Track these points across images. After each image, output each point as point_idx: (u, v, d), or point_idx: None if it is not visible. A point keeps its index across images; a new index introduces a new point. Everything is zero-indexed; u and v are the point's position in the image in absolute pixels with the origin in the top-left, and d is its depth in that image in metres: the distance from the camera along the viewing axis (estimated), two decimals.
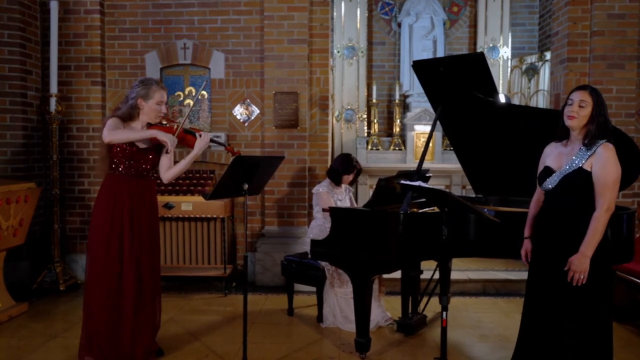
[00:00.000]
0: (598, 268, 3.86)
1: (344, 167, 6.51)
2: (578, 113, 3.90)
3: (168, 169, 4.99)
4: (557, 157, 4.08)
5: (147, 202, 4.94)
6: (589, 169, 3.87)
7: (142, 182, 4.91)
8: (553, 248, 4.02)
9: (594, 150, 3.87)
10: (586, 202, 3.89)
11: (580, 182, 3.89)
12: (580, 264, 3.80)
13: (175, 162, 5.03)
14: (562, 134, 4.10)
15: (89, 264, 4.87)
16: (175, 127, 4.86)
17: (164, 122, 4.93)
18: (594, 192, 3.87)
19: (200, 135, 4.87)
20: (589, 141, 3.89)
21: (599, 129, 3.88)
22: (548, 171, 4.07)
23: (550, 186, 4.02)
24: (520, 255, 4.40)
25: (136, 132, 4.75)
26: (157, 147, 4.91)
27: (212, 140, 5.02)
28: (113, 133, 4.64)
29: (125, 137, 4.69)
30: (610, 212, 3.83)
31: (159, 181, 5.15)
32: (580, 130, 3.96)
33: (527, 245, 4.36)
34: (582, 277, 3.81)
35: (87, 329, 4.85)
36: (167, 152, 4.86)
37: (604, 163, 3.83)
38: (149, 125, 4.87)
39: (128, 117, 4.83)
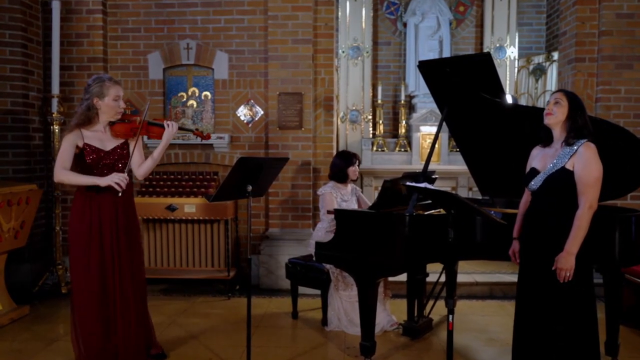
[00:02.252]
0: (584, 266, 3.95)
1: (346, 160, 6.45)
2: (553, 110, 4.05)
3: (140, 165, 4.90)
4: (542, 159, 4.20)
5: (125, 205, 4.85)
6: (571, 169, 3.97)
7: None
8: (539, 248, 4.11)
9: (576, 150, 3.96)
10: (569, 202, 3.97)
11: (563, 181, 3.99)
12: (565, 261, 3.89)
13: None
14: (546, 139, 4.22)
15: (73, 284, 4.79)
16: (138, 121, 4.81)
17: (126, 120, 4.86)
18: (577, 191, 3.95)
19: (167, 126, 4.81)
20: (570, 140, 4.00)
21: (576, 127, 4.00)
22: (534, 172, 4.18)
23: (535, 187, 4.13)
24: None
25: (81, 177, 4.59)
26: (125, 145, 4.84)
27: (180, 128, 4.97)
28: (62, 174, 4.57)
29: (72, 181, 4.62)
30: (592, 210, 3.91)
31: (140, 180, 5.07)
32: (560, 131, 4.08)
33: (514, 245, 4.45)
34: (568, 274, 3.89)
35: (79, 344, 4.80)
36: (120, 189, 4.59)
37: (585, 162, 3.92)
38: (111, 124, 4.78)
39: (87, 120, 4.70)
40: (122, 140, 4.82)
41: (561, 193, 3.98)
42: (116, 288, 4.75)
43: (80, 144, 4.65)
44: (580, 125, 3.99)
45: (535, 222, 4.15)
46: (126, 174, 4.61)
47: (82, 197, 4.72)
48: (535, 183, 4.10)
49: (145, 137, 4.97)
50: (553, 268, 3.92)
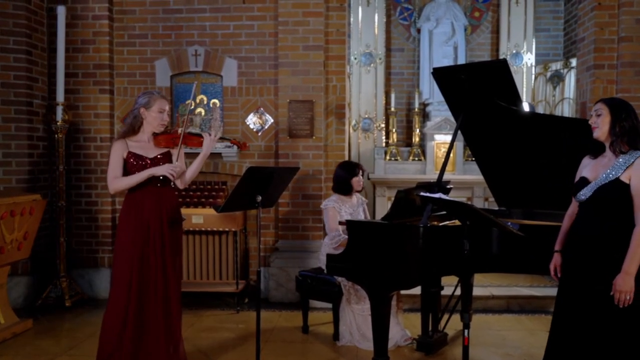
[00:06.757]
0: None
1: (348, 171, 6.36)
2: (596, 122, 3.87)
3: (183, 174, 5.06)
4: (593, 168, 3.94)
5: (170, 211, 4.97)
6: (626, 181, 3.71)
7: (162, 191, 4.94)
8: (586, 264, 3.85)
9: (633, 162, 3.71)
10: (621, 215, 3.73)
11: (616, 194, 3.74)
12: (624, 283, 3.63)
13: None
14: (595, 151, 4.00)
15: (112, 284, 4.95)
16: (179, 131, 4.95)
17: (168, 131, 5.05)
18: (633, 206, 3.69)
19: (206, 135, 4.98)
20: (620, 147, 3.77)
21: (623, 135, 3.76)
22: (583, 182, 3.92)
23: (583, 197, 3.88)
24: (549, 270, 4.23)
25: (136, 176, 4.82)
26: (168, 155, 4.99)
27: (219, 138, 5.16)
28: (115, 183, 4.86)
29: (127, 184, 4.85)
30: None
31: (176, 192, 5.13)
32: (609, 141, 3.86)
33: (556, 259, 4.18)
34: (628, 297, 3.62)
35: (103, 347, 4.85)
36: (173, 178, 4.88)
37: None
38: (154, 135, 4.95)
39: (131, 129, 4.93)
40: (164, 150, 4.99)
41: (612, 206, 3.76)
42: (152, 301, 4.92)
43: (125, 155, 4.88)
44: (629, 128, 3.75)
45: (582, 235, 3.91)
46: (177, 163, 4.89)
47: (127, 209, 4.92)
48: (585, 193, 3.86)
49: (186, 148, 5.13)
50: (611, 293, 3.66)
